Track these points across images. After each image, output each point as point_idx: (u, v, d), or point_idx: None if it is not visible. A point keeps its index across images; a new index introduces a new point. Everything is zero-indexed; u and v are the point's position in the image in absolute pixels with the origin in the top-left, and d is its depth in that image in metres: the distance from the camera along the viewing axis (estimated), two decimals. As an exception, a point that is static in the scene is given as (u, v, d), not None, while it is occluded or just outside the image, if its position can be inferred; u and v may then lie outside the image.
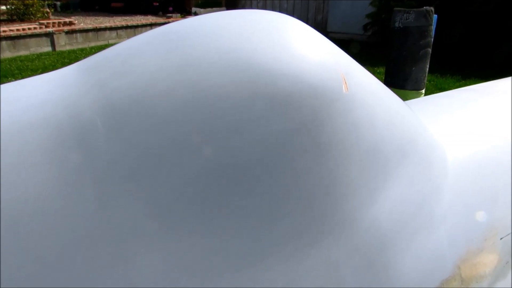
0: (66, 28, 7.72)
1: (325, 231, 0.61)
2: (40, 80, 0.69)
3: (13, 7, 8.16)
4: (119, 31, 8.53)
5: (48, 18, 8.58)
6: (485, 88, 1.38)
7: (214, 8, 10.47)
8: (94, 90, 0.62)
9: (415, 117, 0.85)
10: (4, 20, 8.08)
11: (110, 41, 8.24)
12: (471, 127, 1.01)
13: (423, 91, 3.04)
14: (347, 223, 0.62)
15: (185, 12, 11.23)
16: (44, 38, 7.35)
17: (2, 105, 0.61)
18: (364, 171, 0.65)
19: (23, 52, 7.00)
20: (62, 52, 7.21)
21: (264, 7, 10.09)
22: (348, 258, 0.62)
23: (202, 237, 0.54)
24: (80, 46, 7.78)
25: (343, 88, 0.65)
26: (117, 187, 0.54)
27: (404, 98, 1.74)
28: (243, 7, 10.48)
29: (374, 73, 5.27)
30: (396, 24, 2.88)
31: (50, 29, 7.42)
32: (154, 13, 11.44)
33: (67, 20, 8.14)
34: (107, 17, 10.29)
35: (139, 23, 9.01)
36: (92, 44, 8.03)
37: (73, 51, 7.33)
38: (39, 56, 6.85)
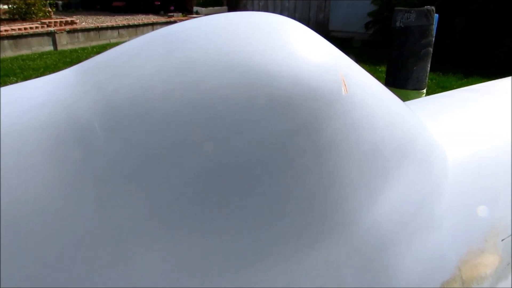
0: (67, 27, 7.73)
1: (325, 232, 0.61)
2: (39, 82, 0.70)
3: (15, 7, 8.18)
4: (121, 31, 8.53)
5: (50, 17, 8.60)
6: (485, 88, 1.38)
7: (215, 8, 10.46)
8: (93, 92, 0.62)
9: (415, 118, 0.85)
10: (6, 20, 8.10)
11: (112, 41, 8.24)
12: (472, 127, 1.01)
13: (425, 90, 3.04)
14: (347, 223, 0.62)
15: (187, 11, 11.23)
16: (45, 38, 7.36)
17: (2, 107, 0.61)
18: (363, 172, 0.65)
19: (25, 51, 7.01)
20: (63, 52, 7.22)
21: (265, 6, 10.08)
22: (348, 258, 0.62)
23: (202, 237, 0.54)
24: (81, 46, 7.79)
25: (343, 89, 0.65)
26: (117, 188, 0.54)
27: (406, 98, 1.74)
28: (244, 6, 10.47)
29: (375, 72, 5.27)
30: (397, 24, 2.87)
31: (51, 28, 7.43)
32: (156, 12, 11.44)
33: (68, 19, 8.14)
34: (108, 16, 10.29)
35: (141, 22, 9.01)
36: (94, 43, 8.04)
37: (75, 50, 7.34)
38: (41, 55, 6.86)
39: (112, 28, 8.44)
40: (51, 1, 9.88)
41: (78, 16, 9.76)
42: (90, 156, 0.55)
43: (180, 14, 10.64)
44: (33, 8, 8.28)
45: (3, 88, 0.69)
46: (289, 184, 0.58)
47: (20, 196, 0.52)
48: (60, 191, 0.53)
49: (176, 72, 0.60)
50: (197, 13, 10.30)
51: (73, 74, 0.69)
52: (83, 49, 7.54)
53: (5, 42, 6.75)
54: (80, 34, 7.90)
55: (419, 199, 0.73)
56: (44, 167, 0.54)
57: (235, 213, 0.56)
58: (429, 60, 2.96)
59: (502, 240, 0.83)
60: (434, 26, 2.92)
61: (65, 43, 7.63)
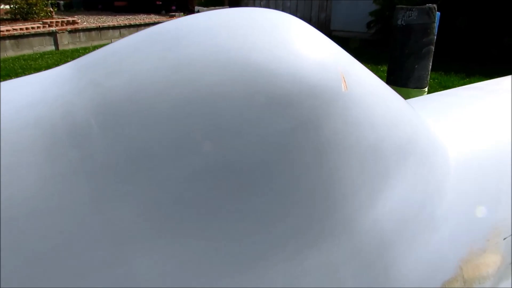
0: (69, 27, 7.75)
1: (325, 232, 0.60)
2: (34, 78, 0.69)
3: (16, 6, 8.20)
4: (122, 30, 8.55)
5: (51, 17, 8.62)
6: (487, 86, 1.37)
7: (217, 7, 10.47)
8: (89, 89, 0.61)
9: (417, 116, 0.84)
10: (7, 19, 8.13)
11: (113, 40, 8.25)
12: (474, 125, 1.00)
13: (426, 89, 3.03)
14: (347, 224, 0.62)
15: (188, 10, 11.25)
16: (47, 37, 7.38)
17: None
18: (364, 171, 0.64)
19: (26, 51, 7.03)
20: (65, 51, 7.23)
21: (267, 5, 10.08)
22: (348, 259, 0.61)
23: (200, 237, 0.54)
24: (83, 45, 7.81)
25: (343, 87, 0.64)
26: (113, 186, 0.53)
27: (407, 96, 1.73)
28: (246, 5, 10.47)
29: (377, 71, 5.26)
30: (399, 22, 2.87)
31: (53, 28, 7.45)
32: (157, 12, 11.47)
33: (70, 19, 8.16)
34: (110, 16, 10.31)
35: (142, 22, 9.03)
36: (95, 43, 8.05)
37: (76, 50, 7.35)
38: (42, 55, 6.88)
39: (114, 28, 8.45)
40: (52, 1, 9.91)
41: (80, 16, 9.78)
42: (85, 154, 0.55)
43: (182, 13, 10.66)
44: (34, 8, 8.30)
45: None
46: (288, 183, 0.58)
47: (13, 194, 0.51)
48: (55, 189, 0.52)
49: (173, 68, 0.59)
50: (198, 12, 10.30)
51: (69, 71, 0.68)
52: (85, 49, 7.55)
53: (7, 42, 6.77)
54: (81, 34, 7.92)
55: (421, 198, 0.72)
56: (38, 165, 0.54)
57: (233, 213, 0.55)
58: (431, 59, 2.96)
59: (504, 239, 0.82)
60: (436, 24, 2.91)
61: (66, 43, 7.64)
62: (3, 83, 0.70)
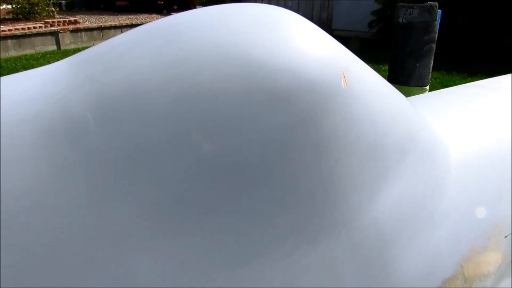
0: (71, 26, 7.76)
1: (325, 229, 0.60)
2: (32, 74, 0.69)
3: (18, 6, 8.22)
4: (124, 30, 8.55)
5: (53, 17, 8.63)
6: (488, 84, 1.36)
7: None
8: (86, 84, 0.61)
9: (418, 113, 0.84)
10: (9, 19, 8.14)
11: (115, 40, 8.26)
12: (475, 123, 1.00)
13: (427, 87, 3.02)
14: (347, 220, 0.61)
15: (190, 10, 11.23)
16: (49, 37, 7.39)
17: None
18: (364, 168, 0.64)
19: (28, 51, 7.04)
20: (67, 51, 7.24)
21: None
22: (348, 256, 0.61)
23: (198, 235, 0.54)
24: (85, 45, 7.81)
25: (342, 83, 0.64)
26: (110, 183, 0.53)
27: (408, 94, 1.73)
28: (247, 5, 10.45)
29: (379, 70, 5.25)
30: (400, 20, 2.86)
31: (55, 28, 7.46)
32: (159, 11, 11.47)
33: (72, 18, 8.18)
34: (112, 16, 10.32)
35: (144, 21, 9.03)
36: (97, 42, 8.00)
37: (78, 50, 7.36)
38: (44, 55, 6.89)
39: (115, 27, 8.46)
40: (54, 1, 9.93)
41: (81, 16, 9.79)
42: (83, 150, 0.54)
43: (183, 13, 10.63)
44: (36, 8, 8.32)
45: None
46: (287, 180, 0.57)
47: (10, 190, 0.51)
48: (51, 185, 0.52)
49: (171, 64, 0.59)
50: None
51: (67, 66, 0.68)
52: (86, 48, 7.55)
53: (9, 41, 6.78)
54: (83, 33, 7.93)
55: (421, 196, 0.72)
56: (35, 161, 0.53)
57: (232, 210, 0.55)
58: (432, 57, 2.95)
59: (505, 237, 0.81)
60: (437, 22, 2.90)
61: (68, 42, 7.66)
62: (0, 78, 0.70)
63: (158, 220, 0.52)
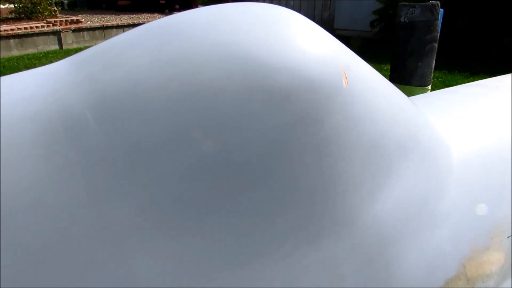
0: (73, 26, 7.78)
1: (325, 229, 0.59)
2: (31, 73, 0.69)
3: (21, 6, 8.24)
4: (126, 29, 8.55)
5: (56, 16, 8.66)
6: (490, 83, 1.36)
7: (220, 6, 10.45)
8: (85, 83, 0.61)
9: (419, 113, 0.83)
10: (12, 18, 8.17)
11: (117, 39, 8.27)
12: (477, 122, 0.99)
13: (429, 87, 3.01)
14: (348, 220, 0.61)
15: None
16: (51, 36, 7.41)
17: None
18: (365, 167, 0.64)
19: (30, 50, 7.06)
20: (69, 50, 7.26)
21: (270, 4, 10.06)
22: (349, 256, 0.61)
23: (198, 235, 0.53)
24: (87, 44, 7.83)
25: (343, 82, 0.63)
26: (110, 182, 0.53)
27: (410, 94, 1.72)
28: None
29: (380, 70, 5.24)
30: (402, 19, 2.85)
31: (57, 27, 7.48)
32: (161, 11, 11.49)
33: (74, 18, 8.19)
34: (114, 15, 10.34)
35: (146, 21, 9.03)
36: (99, 42, 8.02)
37: (80, 49, 7.32)
38: (46, 54, 6.90)
39: (117, 27, 8.48)
40: (56, 0, 9.95)
41: (84, 15, 9.82)
42: (82, 149, 0.54)
43: (185, 12, 10.64)
44: (39, 7, 8.34)
45: None
46: (287, 179, 0.57)
47: (9, 190, 0.51)
48: (50, 185, 0.52)
49: (171, 62, 0.59)
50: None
51: (66, 65, 0.68)
52: (88, 48, 7.57)
53: (11, 41, 6.80)
54: (85, 33, 7.94)
55: (423, 195, 0.71)
56: (34, 160, 0.53)
57: (232, 210, 0.55)
58: (434, 56, 2.94)
59: (508, 237, 0.81)
60: (439, 21, 2.89)
61: (70, 42, 7.67)
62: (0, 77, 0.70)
63: (158, 220, 0.52)
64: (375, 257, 0.63)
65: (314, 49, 0.64)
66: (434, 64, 3.01)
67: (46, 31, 7.31)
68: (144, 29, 0.69)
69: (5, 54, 6.62)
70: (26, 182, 0.51)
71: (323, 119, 0.60)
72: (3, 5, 8.86)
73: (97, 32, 8.14)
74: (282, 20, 0.67)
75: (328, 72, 0.62)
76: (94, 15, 10.26)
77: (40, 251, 0.49)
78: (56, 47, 7.47)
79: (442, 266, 0.70)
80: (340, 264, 0.60)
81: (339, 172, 0.61)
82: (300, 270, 0.57)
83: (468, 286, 0.73)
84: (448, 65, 5.56)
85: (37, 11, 8.32)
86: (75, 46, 7.67)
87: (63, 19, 8.02)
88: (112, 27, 8.41)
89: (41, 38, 7.25)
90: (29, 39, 7.07)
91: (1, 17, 8.20)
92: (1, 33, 6.61)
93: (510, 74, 1.47)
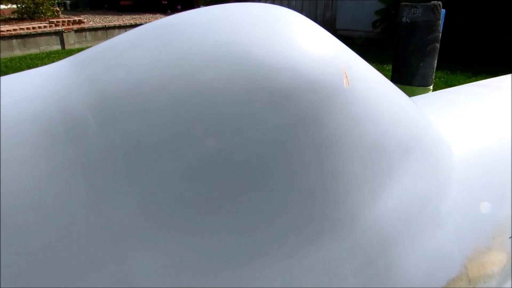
0: (75, 26, 7.79)
1: (326, 229, 0.59)
2: (31, 74, 0.69)
3: (23, 6, 8.26)
4: (128, 30, 8.54)
5: (58, 16, 8.68)
6: (492, 83, 1.35)
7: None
8: (86, 84, 0.61)
9: (421, 113, 0.83)
10: (14, 19, 8.19)
11: (119, 40, 8.28)
12: (478, 122, 0.99)
13: (431, 87, 3.01)
14: (349, 220, 0.61)
15: (194, 10, 11.25)
16: (53, 37, 7.43)
17: None
18: (366, 167, 0.63)
19: (33, 51, 7.08)
20: (71, 51, 7.27)
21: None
22: (350, 256, 0.61)
23: (198, 235, 0.53)
24: (89, 45, 7.84)
25: (344, 82, 0.63)
26: (110, 183, 0.53)
27: (411, 94, 1.72)
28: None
29: (382, 70, 5.23)
30: (403, 19, 2.85)
31: (59, 28, 7.49)
32: (163, 11, 11.50)
33: (76, 18, 8.21)
34: (116, 16, 10.36)
35: (148, 21, 9.04)
36: (101, 42, 8.08)
37: (82, 50, 7.33)
38: (49, 54, 6.92)
39: (120, 27, 8.49)
40: (59, 1, 9.97)
41: (86, 16, 9.84)
42: (83, 150, 0.54)
43: (187, 13, 10.65)
44: (41, 8, 8.36)
45: None
46: (288, 179, 0.57)
47: (9, 190, 0.51)
48: (51, 186, 0.52)
49: (172, 63, 0.59)
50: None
51: (66, 66, 0.68)
52: (91, 48, 7.59)
53: (14, 41, 6.82)
54: (87, 33, 7.96)
55: (424, 195, 0.71)
56: (34, 161, 0.53)
57: (233, 210, 0.54)
58: (436, 56, 2.94)
59: (510, 237, 0.81)
60: (441, 22, 2.89)
61: (72, 42, 7.69)
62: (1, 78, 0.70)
63: (158, 220, 0.52)
64: (376, 257, 0.62)
65: (315, 49, 0.64)
66: (436, 64, 3.01)
67: (48, 31, 7.33)
68: (144, 29, 0.69)
69: (7, 54, 6.64)
70: (26, 182, 0.51)
71: (323, 119, 0.60)
72: (5, 5, 8.89)
73: (99, 32, 8.15)
74: (282, 20, 0.67)
75: (328, 72, 0.62)
76: (96, 16, 10.28)
77: (40, 251, 0.49)
78: (59, 47, 7.49)
79: (444, 267, 0.70)
80: (340, 264, 0.60)
81: (340, 172, 0.61)
82: (300, 270, 0.57)
83: (469, 286, 0.73)
84: (450, 65, 5.55)
85: (40, 11, 8.34)
86: (77, 46, 7.68)
87: (66, 19, 8.04)
88: (114, 27, 8.42)
89: (43, 38, 7.27)
90: (32, 39, 7.09)
91: (4, 17, 8.23)
92: (4, 33, 6.64)
93: (511, 74, 1.47)
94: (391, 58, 3.45)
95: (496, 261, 0.78)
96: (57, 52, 7.19)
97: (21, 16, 8.32)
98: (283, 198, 0.57)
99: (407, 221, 0.67)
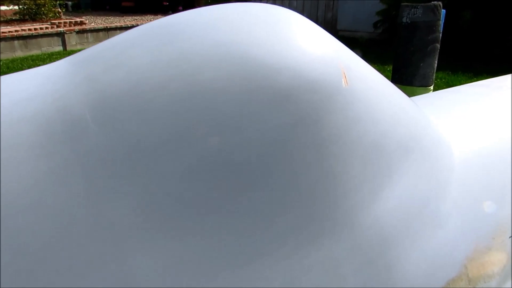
0: (77, 27, 7.81)
1: (326, 229, 0.59)
2: (30, 73, 0.69)
3: (25, 7, 8.28)
4: (129, 30, 8.58)
5: (60, 17, 8.70)
6: (493, 83, 1.35)
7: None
8: (85, 84, 0.61)
9: (420, 113, 0.83)
10: (16, 20, 8.21)
11: (120, 41, 8.29)
12: (478, 122, 0.99)
13: (432, 87, 3.01)
14: (348, 220, 0.61)
15: (195, 11, 11.26)
16: (55, 38, 7.45)
17: None
18: (366, 167, 0.63)
19: (35, 52, 7.10)
20: (73, 52, 7.27)
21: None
22: (349, 256, 0.61)
23: (198, 235, 0.53)
24: (90, 46, 7.84)
25: (343, 82, 0.63)
26: (109, 183, 0.53)
27: (412, 94, 1.72)
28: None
29: (383, 71, 5.23)
30: (404, 19, 2.85)
31: (61, 29, 7.51)
32: (165, 12, 11.51)
33: (78, 19, 8.23)
34: (117, 17, 10.38)
35: (149, 22, 9.04)
36: (103, 43, 8.10)
37: (84, 51, 7.40)
38: (50, 55, 6.93)
39: (121, 28, 8.50)
40: (60, 2, 10.00)
41: (87, 17, 9.86)
42: (81, 150, 0.54)
43: (188, 14, 10.66)
44: (43, 9, 8.39)
45: None
46: (288, 179, 0.57)
47: (8, 190, 0.51)
48: (50, 185, 0.52)
49: (171, 63, 0.59)
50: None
51: (66, 66, 0.68)
52: (91, 49, 7.59)
53: (15, 42, 6.84)
54: (89, 34, 7.97)
55: (424, 195, 0.71)
56: (33, 160, 0.53)
57: (232, 210, 0.55)
58: (436, 56, 2.94)
59: (510, 237, 0.81)
60: (442, 22, 2.89)
61: (74, 43, 7.71)
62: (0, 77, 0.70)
63: (158, 220, 0.52)
64: (375, 257, 0.62)
65: (315, 49, 0.64)
66: (436, 65, 3.00)
67: (50, 32, 7.35)
68: (144, 29, 0.69)
69: (9, 55, 6.65)
70: (25, 182, 0.52)
71: (323, 119, 0.60)
72: (7, 6, 8.92)
73: (101, 33, 8.16)
74: (282, 20, 0.67)
75: (328, 72, 0.62)
76: (98, 17, 10.30)
77: (40, 251, 0.49)
78: (60, 48, 7.51)
79: (444, 267, 0.70)
80: (340, 264, 0.60)
81: (340, 172, 0.61)
82: (300, 270, 0.57)
83: (469, 286, 0.73)
84: (451, 66, 5.54)
85: (41, 12, 8.36)
86: (79, 47, 7.70)
87: (67, 20, 8.06)
88: (115, 28, 8.43)
89: (45, 39, 7.28)
90: (33, 40, 7.11)
91: (5, 19, 8.25)
92: (6, 34, 6.66)
93: (511, 74, 1.47)
94: (392, 59, 3.45)
95: (496, 261, 0.78)
96: (58, 53, 7.20)
97: (23, 17, 8.34)
98: (283, 198, 0.57)
99: (407, 221, 0.67)
